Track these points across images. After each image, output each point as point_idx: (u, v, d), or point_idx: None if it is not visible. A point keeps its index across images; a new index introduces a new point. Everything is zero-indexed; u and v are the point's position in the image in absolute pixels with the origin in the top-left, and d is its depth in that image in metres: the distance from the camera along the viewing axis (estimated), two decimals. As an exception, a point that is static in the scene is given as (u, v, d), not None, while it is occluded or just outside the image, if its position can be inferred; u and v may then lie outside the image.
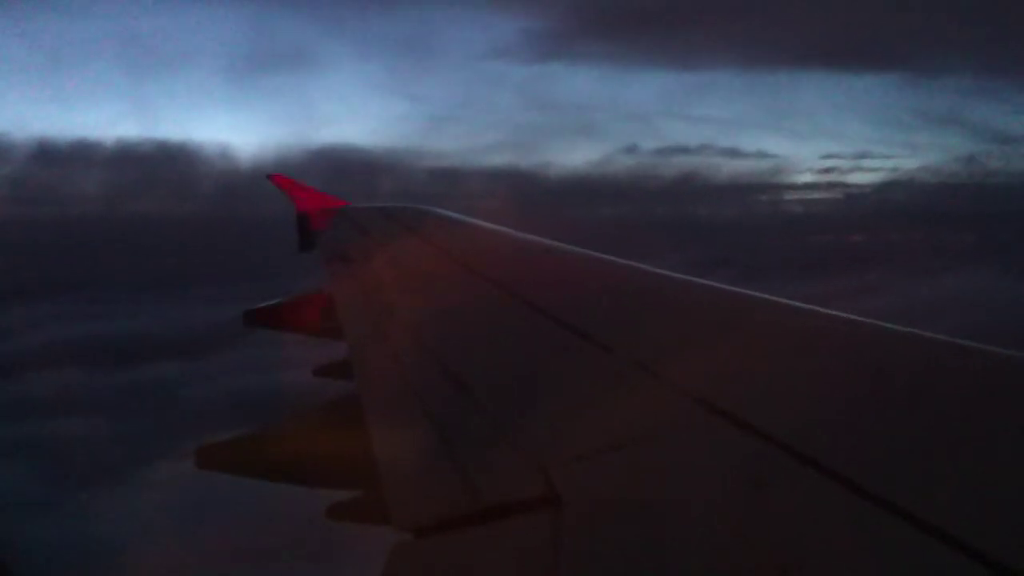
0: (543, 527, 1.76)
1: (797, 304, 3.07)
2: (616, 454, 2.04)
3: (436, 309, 4.09)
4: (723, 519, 1.66)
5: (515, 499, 1.91)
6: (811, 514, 1.60)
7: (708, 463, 1.89)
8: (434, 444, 2.36)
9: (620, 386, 2.50)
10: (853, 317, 2.80)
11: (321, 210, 9.00)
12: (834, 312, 2.89)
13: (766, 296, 3.25)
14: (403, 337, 3.67)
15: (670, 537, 1.64)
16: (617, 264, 4.25)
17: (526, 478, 1.99)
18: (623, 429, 2.15)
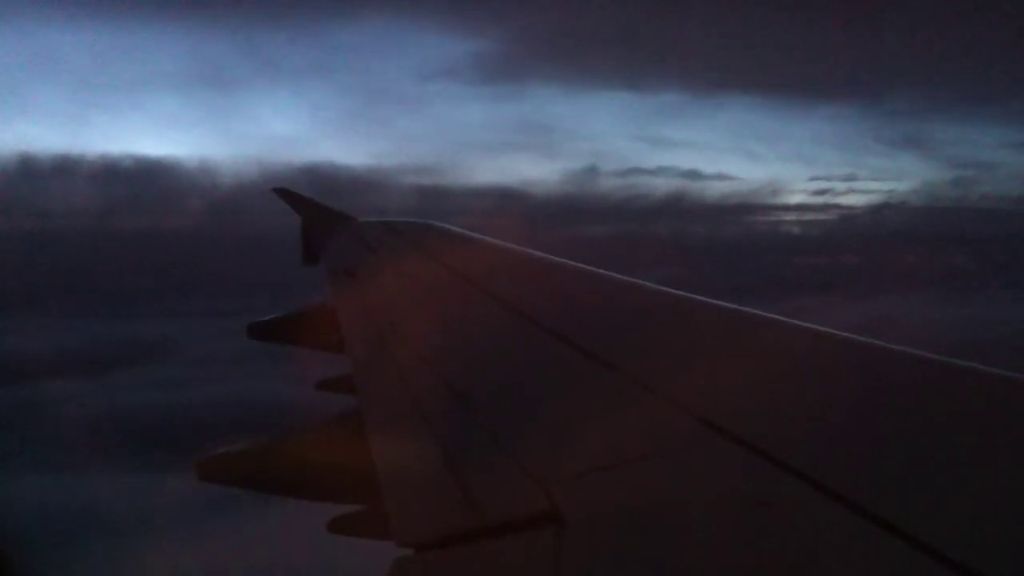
0: (544, 544, 1.76)
1: (796, 322, 3.07)
2: (618, 471, 2.04)
3: (440, 325, 4.10)
4: (723, 537, 1.66)
5: (516, 516, 1.92)
6: (811, 533, 1.60)
7: (709, 481, 1.89)
8: (436, 459, 2.37)
9: (622, 403, 2.50)
10: (851, 336, 2.80)
11: (326, 223, 9.02)
12: (833, 331, 2.89)
13: (767, 314, 3.26)
14: (407, 352, 3.68)
15: (671, 555, 1.64)
16: (624, 282, 4.26)
17: (528, 495, 1.99)
18: (625, 446, 2.16)
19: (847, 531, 1.57)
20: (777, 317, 3.19)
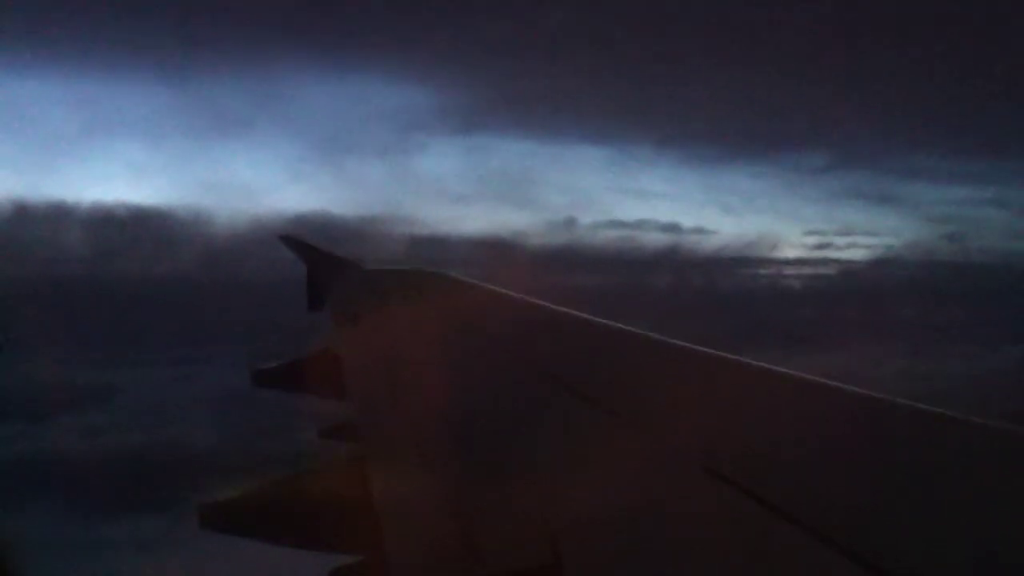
0: None
1: (792, 372, 3.09)
2: (619, 520, 2.03)
3: (444, 372, 4.11)
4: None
5: (518, 566, 1.91)
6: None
7: (713, 531, 1.89)
8: (439, 508, 2.36)
9: (627, 454, 2.50)
10: (856, 389, 2.81)
11: (332, 270, 9.07)
12: (837, 383, 2.90)
13: (768, 365, 3.27)
14: (411, 401, 3.68)
15: None
16: (632, 333, 4.28)
17: (530, 544, 1.99)
18: (630, 496, 2.15)
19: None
20: (773, 367, 3.21)
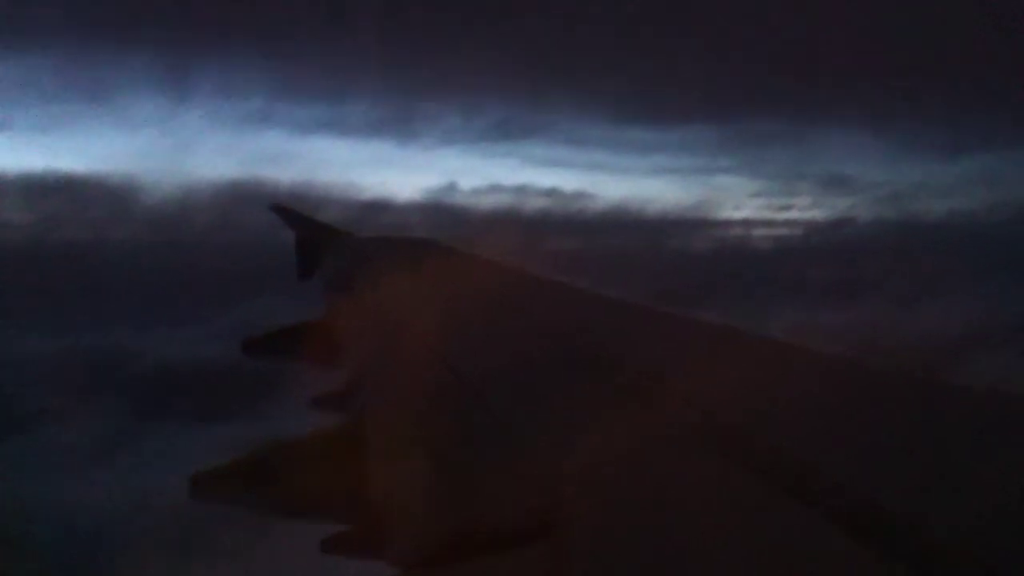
0: (538, 561, 1.73)
1: (777, 337, 3.10)
2: (612, 486, 2.01)
3: (438, 341, 4.07)
4: (721, 545, 1.63)
5: (510, 533, 1.88)
6: (803, 541, 1.57)
7: (706, 489, 1.87)
8: (432, 478, 2.33)
9: (619, 420, 2.47)
10: (840, 353, 2.83)
11: (321, 239, 9.01)
12: (836, 351, 2.90)
13: (749, 329, 3.28)
14: (404, 369, 3.64)
15: (669, 568, 1.61)
16: (614, 297, 4.25)
17: (522, 512, 1.96)
18: (621, 459, 2.13)
19: (840, 540, 1.54)
20: (753, 330, 3.22)
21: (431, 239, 8.34)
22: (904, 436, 2.15)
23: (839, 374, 2.80)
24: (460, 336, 4.04)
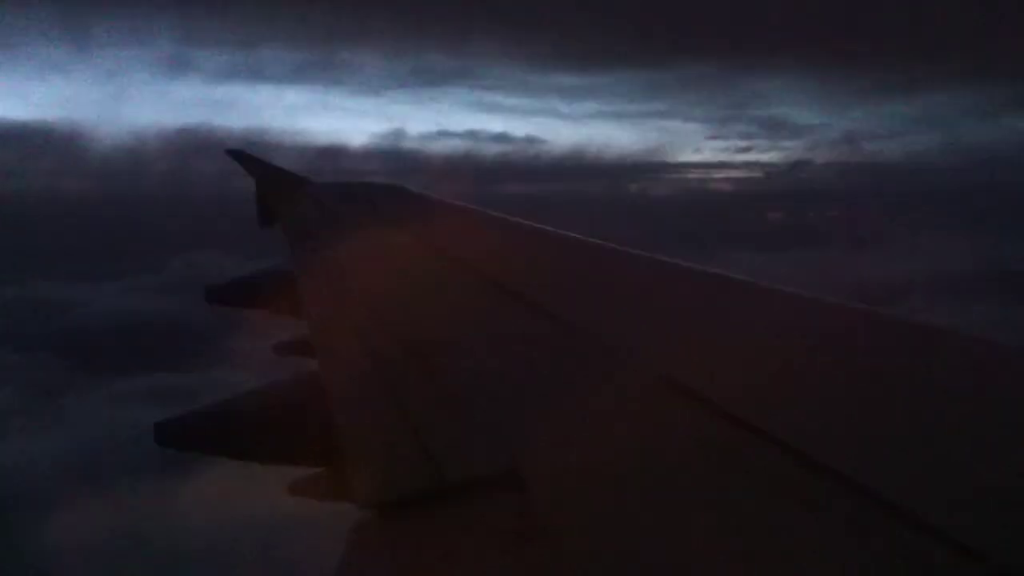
0: (506, 505, 1.77)
1: (761, 283, 3.12)
2: (582, 434, 2.05)
3: (401, 288, 4.08)
4: (687, 498, 1.68)
5: (477, 478, 1.93)
6: (773, 492, 1.62)
7: (675, 445, 1.91)
8: (397, 422, 2.37)
9: (588, 368, 2.51)
10: (825, 298, 2.84)
11: (282, 186, 8.88)
12: (804, 293, 2.93)
13: (730, 274, 3.30)
14: (368, 314, 3.65)
15: (634, 516, 1.66)
16: (590, 244, 4.26)
17: (489, 456, 2.00)
18: (589, 410, 2.17)
19: (812, 491, 1.60)
20: (739, 277, 3.23)
21: (396, 185, 8.26)
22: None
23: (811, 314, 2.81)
24: (420, 281, 4.05)
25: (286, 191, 8.56)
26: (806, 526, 1.50)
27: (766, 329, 2.72)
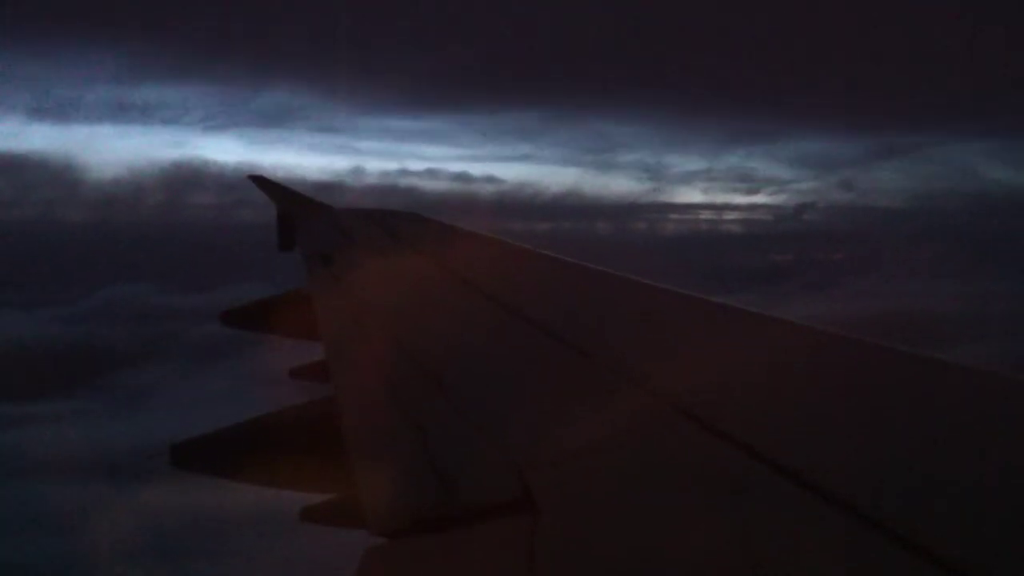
0: (518, 531, 1.75)
1: (767, 314, 3.11)
2: (593, 458, 2.03)
3: (417, 313, 4.08)
4: (698, 524, 1.66)
5: (490, 503, 1.90)
6: (785, 523, 1.60)
7: (684, 469, 1.89)
8: (411, 447, 2.35)
9: (600, 392, 2.50)
10: (834, 330, 2.83)
11: (302, 211, 8.95)
12: (814, 325, 2.92)
13: (740, 306, 3.29)
14: (384, 340, 3.65)
15: (645, 541, 1.64)
16: (608, 275, 4.27)
17: (502, 482, 1.98)
18: (600, 434, 2.15)
19: (822, 522, 1.57)
20: (745, 308, 3.23)
21: (413, 212, 8.31)
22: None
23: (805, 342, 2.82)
24: (438, 308, 4.05)
25: (307, 216, 8.63)
26: (821, 559, 1.47)
27: (781, 359, 2.71)
